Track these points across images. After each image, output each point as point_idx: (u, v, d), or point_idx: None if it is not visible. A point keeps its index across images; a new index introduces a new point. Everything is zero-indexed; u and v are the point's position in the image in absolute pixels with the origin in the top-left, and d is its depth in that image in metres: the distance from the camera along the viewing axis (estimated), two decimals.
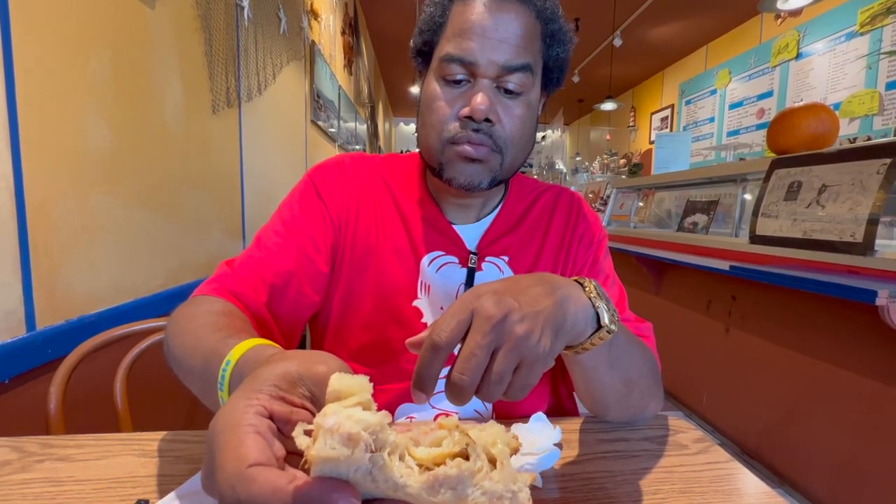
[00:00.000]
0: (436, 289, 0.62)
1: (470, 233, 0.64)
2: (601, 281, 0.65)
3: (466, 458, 0.23)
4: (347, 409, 0.21)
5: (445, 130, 0.55)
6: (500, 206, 0.66)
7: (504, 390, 0.33)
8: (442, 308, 0.62)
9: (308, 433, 0.21)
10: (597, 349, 0.42)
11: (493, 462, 0.24)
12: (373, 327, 0.61)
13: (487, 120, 0.53)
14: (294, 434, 0.21)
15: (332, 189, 0.63)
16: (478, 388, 0.32)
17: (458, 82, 0.54)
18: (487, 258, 0.63)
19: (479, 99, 0.52)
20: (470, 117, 0.53)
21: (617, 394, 0.52)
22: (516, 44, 0.53)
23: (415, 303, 0.62)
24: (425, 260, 0.62)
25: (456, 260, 0.63)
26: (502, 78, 0.54)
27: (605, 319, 0.40)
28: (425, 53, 0.59)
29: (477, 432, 0.25)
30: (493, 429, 0.26)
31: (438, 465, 0.23)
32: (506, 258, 0.64)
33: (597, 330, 0.41)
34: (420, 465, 0.23)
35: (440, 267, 0.62)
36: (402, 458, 0.23)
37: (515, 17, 0.53)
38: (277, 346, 0.36)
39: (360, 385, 0.23)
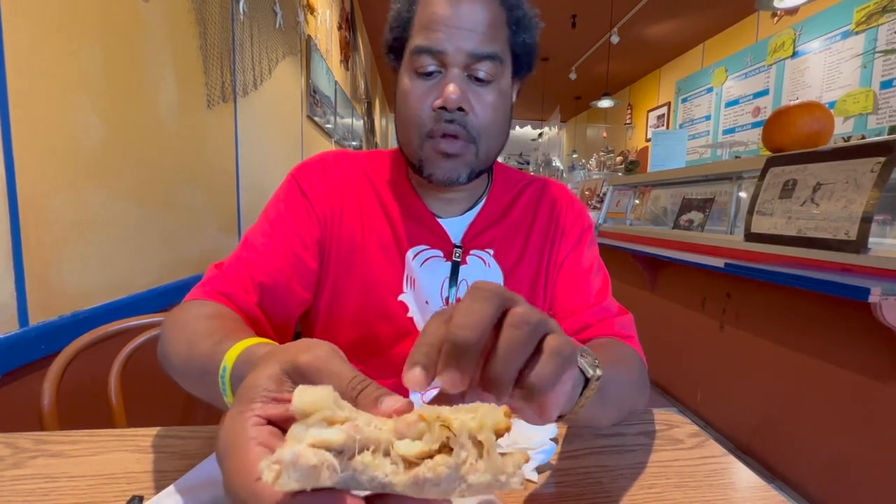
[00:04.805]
0: (420, 283, 0.62)
1: (455, 226, 0.64)
2: (586, 269, 0.65)
3: (451, 450, 0.22)
4: (311, 430, 0.21)
5: (422, 125, 0.56)
6: (484, 199, 0.66)
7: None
8: (427, 302, 0.62)
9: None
10: (589, 401, 0.39)
11: (482, 447, 0.23)
12: (360, 323, 0.61)
13: (461, 109, 0.54)
14: (261, 468, 0.21)
15: (317, 187, 0.63)
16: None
17: (429, 74, 0.55)
18: (472, 251, 0.63)
19: (451, 88, 0.53)
20: (443, 107, 0.54)
21: (611, 420, 0.50)
22: (483, 31, 0.54)
23: (400, 297, 0.62)
24: (410, 254, 0.62)
25: (440, 253, 0.63)
26: (472, 66, 0.54)
27: (589, 372, 0.38)
28: (397, 50, 0.60)
29: (464, 415, 0.23)
30: (482, 410, 0.23)
31: (423, 458, 0.22)
32: (491, 251, 0.64)
33: (585, 385, 0.38)
34: (405, 461, 0.22)
35: (425, 261, 0.62)
36: (387, 454, 0.22)
37: (480, 6, 0.54)
38: (269, 341, 0.36)
39: (323, 399, 0.22)
